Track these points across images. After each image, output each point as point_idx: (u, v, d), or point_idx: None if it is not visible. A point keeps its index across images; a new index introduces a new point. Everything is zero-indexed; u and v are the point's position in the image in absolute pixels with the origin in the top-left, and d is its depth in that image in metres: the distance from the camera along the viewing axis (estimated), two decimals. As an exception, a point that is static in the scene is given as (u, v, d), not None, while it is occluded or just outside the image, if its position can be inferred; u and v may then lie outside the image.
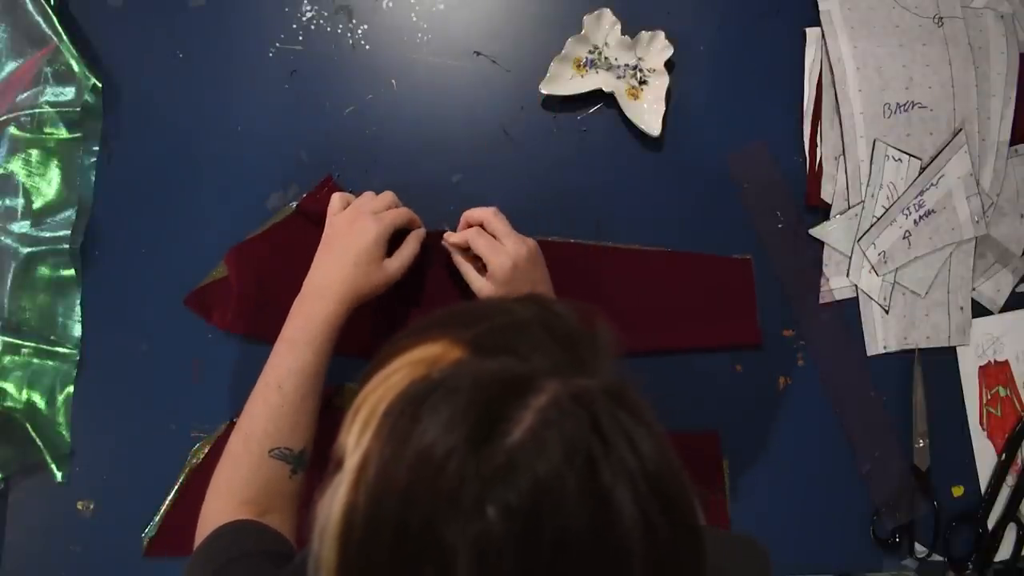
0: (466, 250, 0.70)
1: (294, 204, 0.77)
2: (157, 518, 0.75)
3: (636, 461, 0.33)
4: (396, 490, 0.33)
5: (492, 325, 0.38)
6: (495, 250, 0.67)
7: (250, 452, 0.62)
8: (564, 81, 0.77)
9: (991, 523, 0.78)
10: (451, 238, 0.71)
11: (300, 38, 0.79)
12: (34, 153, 0.78)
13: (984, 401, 0.79)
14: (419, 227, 0.73)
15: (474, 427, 0.32)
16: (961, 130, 0.78)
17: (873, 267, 0.78)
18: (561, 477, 0.32)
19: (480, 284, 0.68)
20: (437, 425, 0.33)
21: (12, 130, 0.78)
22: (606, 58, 0.77)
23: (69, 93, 0.78)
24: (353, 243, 0.67)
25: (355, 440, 0.36)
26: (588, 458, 0.32)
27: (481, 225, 0.70)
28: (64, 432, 0.77)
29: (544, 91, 0.77)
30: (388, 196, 0.71)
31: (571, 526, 0.31)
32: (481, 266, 0.69)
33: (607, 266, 0.77)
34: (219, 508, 0.61)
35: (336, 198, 0.70)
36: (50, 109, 0.77)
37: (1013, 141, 0.80)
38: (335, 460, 0.37)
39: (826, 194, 0.79)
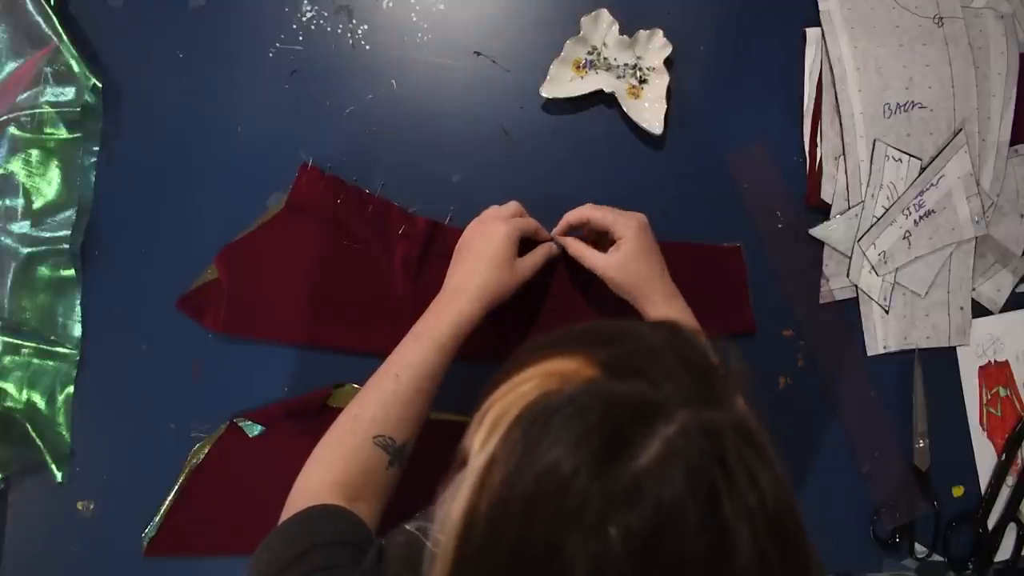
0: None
1: (282, 201, 0.77)
2: (157, 518, 0.75)
3: (757, 499, 0.33)
4: (520, 499, 0.34)
5: (627, 348, 0.38)
6: (620, 215, 0.69)
7: (355, 433, 0.62)
8: (564, 83, 0.77)
9: (991, 523, 0.78)
10: (563, 221, 0.72)
11: (300, 38, 0.79)
12: (34, 153, 0.78)
13: (984, 401, 0.79)
14: (546, 237, 0.74)
15: (602, 447, 0.33)
16: (961, 130, 0.78)
17: (873, 267, 0.78)
18: (683, 506, 0.32)
19: (604, 261, 0.69)
20: (566, 440, 0.34)
21: (12, 130, 0.78)
22: (605, 58, 0.77)
23: (69, 93, 0.78)
24: (487, 245, 0.68)
25: (481, 442, 0.37)
26: (711, 490, 0.33)
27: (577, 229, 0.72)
28: (64, 432, 0.77)
29: (545, 94, 0.76)
30: (514, 204, 0.73)
31: (688, 555, 0.32)
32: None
33: None
34: (313, 484, 0.61)
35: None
36: (50, 109, 0.77)
37: (1013, 141, 0.80)
38: (459, 459, 0.39)
39: (826, 194, 0.79)
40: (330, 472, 0.61)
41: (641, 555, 0.32)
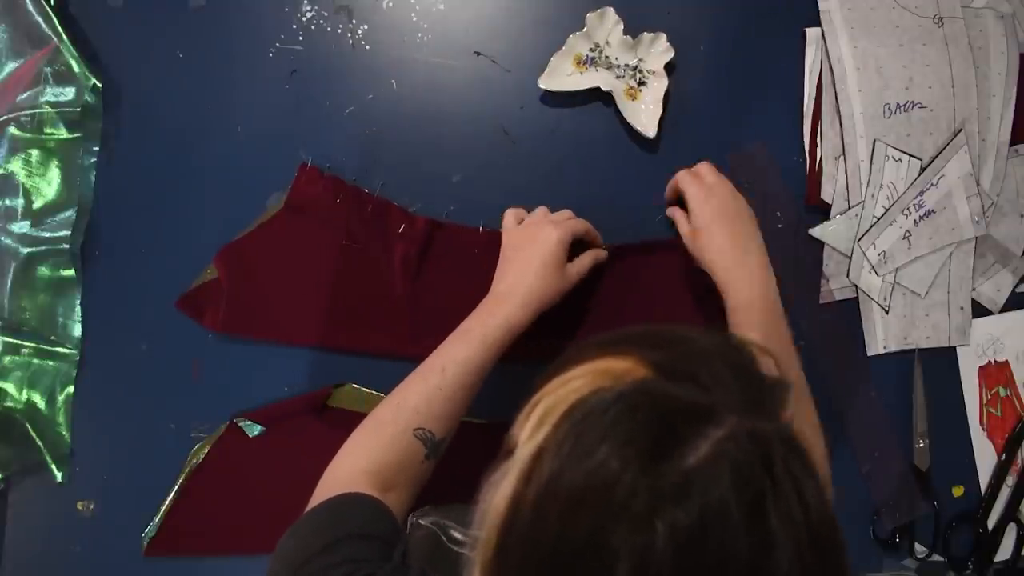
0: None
1: (281, 201, 0.77)
2: (157, 518, 0.75)
3: (801, 508, 0.34)
4: (568, 490, 0.34)
5: (679, 351, 0.39)
6: (692, 185, 0.71)
7: (396, 423, 0.62)
8: (563, 76, 0.77)
9: (991, 523, 0.78)
10: (670, 185, 0.75)
11: (300, 38, 0.79)
12: (34, 153, 0.78)
13: (984, 401, 0.79)
14: (598, 238, 0.74)
15: (652, 445, 0.34)
16: (961, 130, 0.78)
17: (873, 267, 0.78)
18: (730, 506, 0.33)
19: (685, 228, 0.72)
20: (615, 437, 0.34)
21: (12, 130, 0.78)
22: (606, 57, 0.77)
23: (69, 93, 0.78)
24: (537, 250, 0.68)
25: (529, 433, 0.38)
26: (757, 495, 0.33)
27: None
28: (64, 432, 0.77)
29: (542, 86, 0.76)
30: (565, 213, 0.73)
31: (731, 556, 0.32)
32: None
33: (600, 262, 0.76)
34: (348, 469, 0.61)
35: (510, 214, 0.72)
36: (50, 109, 0.77)
37: (1013, 141, 0.80)
38: (505, 449, 0.39)
39: (826, 194, 0.79)
40: (366, 459, 0.61)
41: (685, 552, 0.32)
